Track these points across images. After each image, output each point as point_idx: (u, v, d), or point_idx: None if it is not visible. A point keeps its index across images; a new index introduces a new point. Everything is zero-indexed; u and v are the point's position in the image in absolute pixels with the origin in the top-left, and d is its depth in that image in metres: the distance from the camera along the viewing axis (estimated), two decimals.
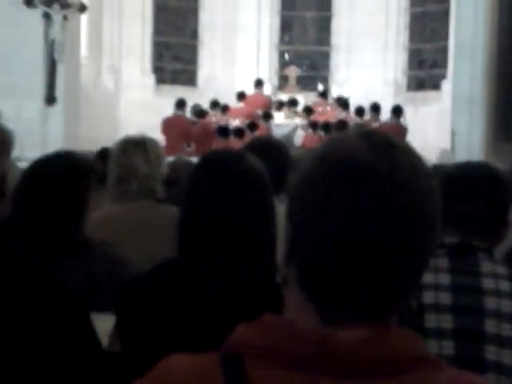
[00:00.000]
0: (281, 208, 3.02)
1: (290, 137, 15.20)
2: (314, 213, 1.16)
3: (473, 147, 13.27)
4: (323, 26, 19.92)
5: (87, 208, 3.03)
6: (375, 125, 14.71)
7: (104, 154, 4.95)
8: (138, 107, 17.28)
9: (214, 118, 15.31)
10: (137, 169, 3.68)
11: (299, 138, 15.21)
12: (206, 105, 15.67)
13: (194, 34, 19.52)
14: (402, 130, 14.31)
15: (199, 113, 14.96)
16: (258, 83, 17.18)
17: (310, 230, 1.17)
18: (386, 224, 1.13)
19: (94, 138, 12.82)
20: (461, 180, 2.54)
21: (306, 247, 1.18)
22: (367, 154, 1.16)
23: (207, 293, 2.17)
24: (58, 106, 14.07)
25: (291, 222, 1.22)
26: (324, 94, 17.17)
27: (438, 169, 3.91)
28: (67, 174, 2.97)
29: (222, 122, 14.74)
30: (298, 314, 1.20)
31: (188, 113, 15.11)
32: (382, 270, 1.15)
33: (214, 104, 15.79)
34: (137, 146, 3.75)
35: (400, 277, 1.16)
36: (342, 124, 14.30)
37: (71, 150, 3.24)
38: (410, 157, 1.19)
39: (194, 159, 6.67)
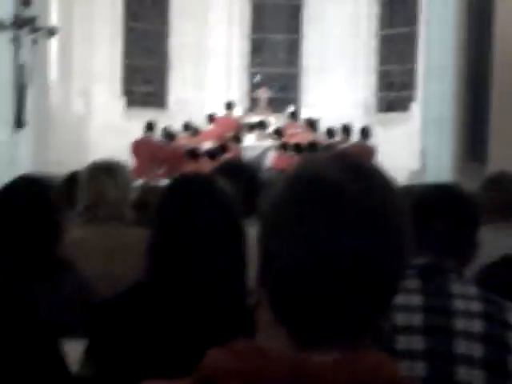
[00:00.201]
0: (251, 230, 3.02)
1: (260, 158, 15.24)
2: (285, 233, 1.16)
3: (443, 168, 13.37)
4: (293, 49, 20.02)
5: (60, 231, 3.02)
6: (344, 146, 14.81)
7: (72, 178, 4.92)
8: (108, 130, 17.23)
9: (184, 140, 15.32)
10: (106, 194, 3.69)
11: (270, 159, 15.25)
12: (176, 127, 15.67)
13: (164, 57, 19.53)
14: (371, 151, 14.43)
15: (168, 136, 14.97)
16: (229, 106, 17.25)
17: (282, 251, 1.16)
18: (358, 244, 1.14)
19: (63, 161, 12.74)
20: (430, 202, 2.55)
21: (278, 268, 1.17)
22: (338, 175, 1.16)
23: (179, 316, 2.16)
24: (27, 130, 13.98)
25: (263, 243, 1.21)
26: (294, 116, 17.25)
27: (407, 189, 3.94)
28: (33, 199, 2.95)
29: (192, 145, 14.75)
30: (271, 336, 1.19)
31: (157, 135, 15.12)
32: (355, 291, 1.14)
33: (187, 127, 15.83)
34: (105, 170, 3.76)
35: (372, 297, 1.17)
36: (313, 145, 14.38)
37: (35, 174, 3.22)
38: (381, 178, 1.20)
39: (164, 182, 6.67)
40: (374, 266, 1.15)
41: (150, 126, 14.90)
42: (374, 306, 1.18)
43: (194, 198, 2.26)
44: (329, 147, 14.53)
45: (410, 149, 16.05)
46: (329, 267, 1.13)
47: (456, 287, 2.36)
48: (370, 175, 1.19)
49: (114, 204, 3.71)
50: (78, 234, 3.66)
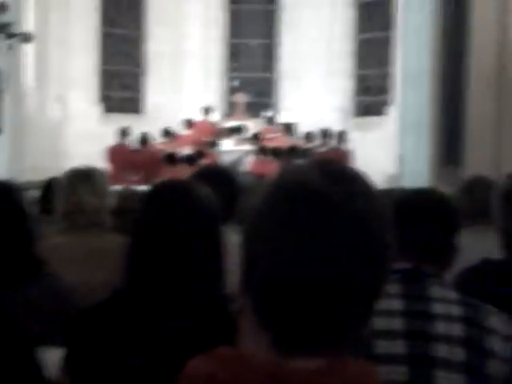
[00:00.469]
0: (230, 236, 3.01)
1: (238, 163, 15.23)
2: (267, 239, 1.16)
3: (419, 172, 13.42)
4: (270, 53, 20.07)
5: (33, 238, 2.98)
6: (322, 150, 14.83)
7: (50, 185, 4.89)
8: (84, 136, 17.17)
9: (162, 145, 15.27)
10: (84, 202, 3.68)
11: (247, 163, 15.24)
12: (154, 133, 15.63)
13: (140, 63, 19.50)
14: (348, 155, 14.48)
15: (142, 140, 14.93)
16: (206, 110, 17.22)
17: (263, 257, 1.16)
18: (341, 251, 1.13)
19: (40, 167, 12.68)
20: (409, 206, 2.55)
21: (260, 274, 1.17)
22: (321, 182, 1.16)
23: (158, 325, 2.14)
24: (3, 136, 13.90)
25: (246, 249, 1.21)
26: (271, 120, 17.26)
27: (387, 193, 3.95)
28: (6, 205, 2.92)
29: (170, 150, 14.71)
30: (254, 343, 1.19)
31: (133, 141, 15.06)
32: (337, 298, 1.14)
33: (166, 132, 15.79)
34: (83, 178, 3.74)
35: (354, 304, 1.16)
36: (292, 150, 14.38)
37: (8, 180, 3.18)
38: (364, 185, 1.20)
39: (141, 188, 6.64)
40: (356, 272, 1.14)
41: (123, 132, 14.82)
42: (356, 311, 1.18)
43: (172, 205, 2.25)
44: (307, 151, 14.54)
45: (387, 153, 16.11)
46: (309, 274, 1.13)
47: (436, 291, 2.36)
48: (352, 181, 1.19)
49: (92, 211, 3.70)
50: (56, 241, 3.65)
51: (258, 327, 1.18)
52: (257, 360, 1.15)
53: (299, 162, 1.28)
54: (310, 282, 1.13)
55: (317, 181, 1.16)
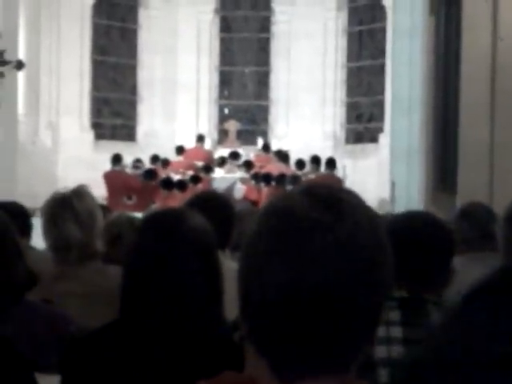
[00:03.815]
0: (226, 262, 2.97)
1: (230, 190, 15.21)
2: (258, 269, 1.16)
3: (412, 198, 13.42)
4: (262, 81, 20.13)
5: (17, 258, 2.85)
6: (312, 176, 14.83)
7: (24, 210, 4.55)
8: (76, 163, 17.14)
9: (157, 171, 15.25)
10: (69, 237, 3.44)
11: (239, 191, 15.23)
12: (145, 160, 15.62)
13: (133, 90, 19.53)
14: (337, 181, 14.46)
15: (136, 161, 14.94)
16: (200, 138, 17.22)
17: (255, 285, 1.16)
18: (329, 275, 1.12)
19: (31, 194, 12.63)
20: (405, 231, 2.53)
21: (253, 302, 1.16)
22: (309, 208, 1.16)
23: (153, 355, 2.11)
24: None
25: (240, 276, 1.20)
26: (266, 148, 17.25)
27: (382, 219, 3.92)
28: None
29: (164, 176, 14.69)
30: (256, 370, 1.18)
31: (127, 167, 15.02)
32: (329, 323, 1.13)
33: (155, 158, 15.75)
34: (64, 207, 3.50)
35: (349, 329, 1.15)
36: (282, 176, 14.39)
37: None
38: (355, 209, 1.19)
39: (137, 214, 6.57)
40: (348, 297, 1.14)
41: (116, 159, 14.71)
42: (352, 337, 1.16)
43: (163, 236, 2.23)
44: (296, 177, 14.56)
45: (379, 180, 16.13)
46: (299, 298, 1.13)
47: (436, 318, 2.34)
48: (343, 207, 1.18)
49: (80, 246, 3.46)
50: (48, 273, 3.45)
51: (257, 354, 1.17)
52: None
53: (289, 188, 1.29)
54: (298, 310, 1.13)
55: (305, 207, 1.16)
